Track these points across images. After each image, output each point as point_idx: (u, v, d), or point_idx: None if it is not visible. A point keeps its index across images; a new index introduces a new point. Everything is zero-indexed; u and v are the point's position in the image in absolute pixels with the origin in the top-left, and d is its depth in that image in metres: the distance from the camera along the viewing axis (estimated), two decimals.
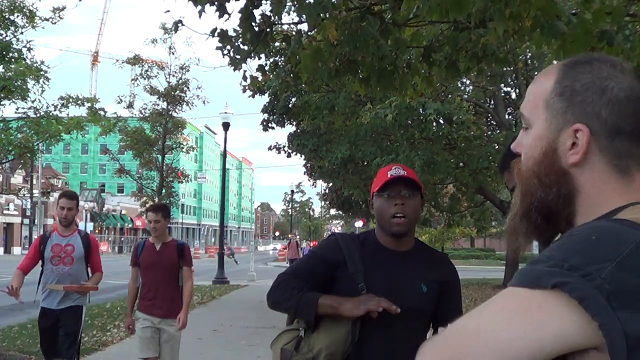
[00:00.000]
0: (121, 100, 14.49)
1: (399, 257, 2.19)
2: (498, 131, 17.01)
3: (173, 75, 14.81)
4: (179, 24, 5.09)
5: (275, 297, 2.15)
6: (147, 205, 15.49)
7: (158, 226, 5.13)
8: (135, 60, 14.49)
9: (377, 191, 2.17)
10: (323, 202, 49.64)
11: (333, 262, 2.17)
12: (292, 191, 60.25)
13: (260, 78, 5.17)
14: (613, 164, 0.88)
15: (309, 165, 19.59)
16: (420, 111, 13.03)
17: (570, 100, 0.90)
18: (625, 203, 0.86)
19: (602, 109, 0.88)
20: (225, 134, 21.93)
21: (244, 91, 12.79)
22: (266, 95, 15.47)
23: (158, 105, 14.86)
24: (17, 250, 51.41)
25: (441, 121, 13.53)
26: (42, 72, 9.77)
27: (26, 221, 51.29)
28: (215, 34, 4.21)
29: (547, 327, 0.76)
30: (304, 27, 4.64)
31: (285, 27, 7.72)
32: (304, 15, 3.90)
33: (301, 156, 17.81)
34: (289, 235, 26.17)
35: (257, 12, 4.14)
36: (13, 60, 9.57)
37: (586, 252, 0.77)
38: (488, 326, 0.79)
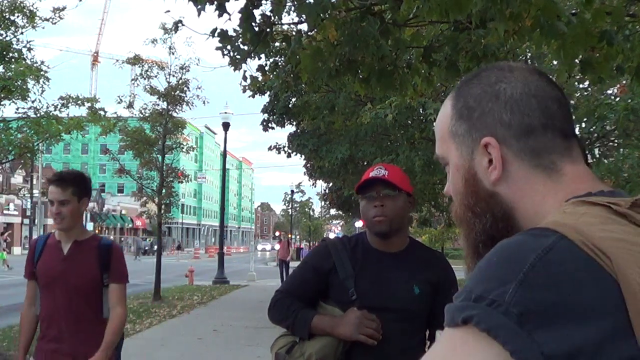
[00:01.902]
0: (121, 100, 14.44)
1: (390, 258, 2.18)
2: None
3: (173, 75, 14.77)
4: (179, 24, 5.09)
5: (273, 317, 2.24)
6: (144, 203, 15.51)
7: (65, 211, 3.02)
8: (135, 60, 14.44)
9: (358, 192, 2.19)
10: (323, 202, 49.56)
11: (324, 269, 2.19)
12: (292, 191, 60.12)
13: (260, 78, 5.18)
14: (534, 165, 0.82)
15: (309, 165, 19.57)
16: (421, 111, 13.03)
17: (469, 118, 0.85)
18: (560, 202, 0.79)
19: (502, 113, 0.83)
20: (225, 134, 21.93)
21: (244, 91, 12.77)
22: (266, 95, 15.46)
23: (158, 105, 14.81)
24: (17, 250, 51.41)
25: None
26: (42, 72, 9.76)
27: (26, 221, 51.28)
28: (215, 34, 4.21)
29: None
30: (304, 27, 4.65)
31: (285, 27, 7.72)
32: (304, 15, 3.90)
33: (301, 156, 17.79)
34: (278, 233, 26.02)
35: (257, 12, 4.14)
36: (13, 60, 9.57)
37: (489, 277, 0.70)
38: None
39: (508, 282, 0.67)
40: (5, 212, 51.02)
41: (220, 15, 3.99)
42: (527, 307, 0.66)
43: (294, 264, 15.91)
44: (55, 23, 10.55)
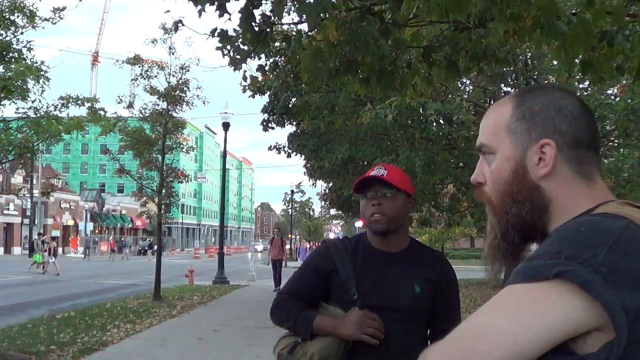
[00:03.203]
0: (121, 100, 14.42)
1: (391, 258, 2.18)
2: None
3: (173, 75, 14.75)
4: (179, 24, 5.09)
5: (275, 319, 2.24)
6: (144, 203, 15.48)
7: None
8: (135, 61, 14.41)
9: (357, 192, 2.21)
10: (323, 202, 49.53)
11: (325, 271, 2.19)
12: (292, 191, 60.13)
13: (260, 78, 5.18)
14: (576, 171, 0.99)
15: (309, 165, 19.57)
16: (421, 111, 13.02)
17: (531, 120, 1.01)
18: (593, 205, 0.95)
19: (562, 123, 1.00)
20: (225, 134, 21.92)
21: (244, 91, 12.77)
22: (266, 95, 15.45)
23: (158, 105, 14.78)
24: (17, 250, 51.40)
25: (441, 121, 13.52)
26: (42, 72, 9.73)
27: (26, 221, 51.26)
28: (215, 34, 4.21)
29: (553, 314, 0.82)
30: (304, 27, 4.65)
31: (285, 27, 7.71)
32: (304, 15, 3.90)
33: (301, 156, 17.79)
34: (275, 229, 21.06)
35: (257, 12, 4.14)
36: (13, 60, 9.56)
37: (578, 242, 0.86)
38: (494, 324, 0.85)
39: (598, 247, 0.83)
40: (5, 212, 51.00)
41: (220, 15, 3.99)
42: (613, 268, 0.82)
43: (292, 265, 15.44)
44: (55, 23, 10.53)
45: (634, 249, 0.84)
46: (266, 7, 4.25)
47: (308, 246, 40.10)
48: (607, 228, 0.86)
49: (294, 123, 16.42)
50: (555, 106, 1.01)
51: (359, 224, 49.07)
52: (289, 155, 17.79)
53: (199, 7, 3.98)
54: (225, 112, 21.87)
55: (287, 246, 43.11)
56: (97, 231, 62.18)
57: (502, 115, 1.05)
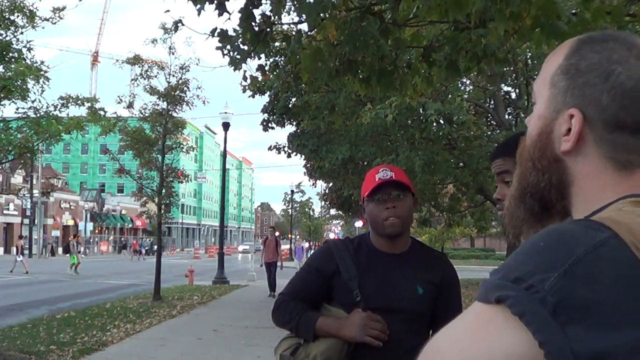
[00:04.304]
0: (121, 100, 14.43)
1: (394, 259, 2.17)
2: (498, 131, 16.99)
3: (173, 75, 14.75)
4: (179, 24, 5.09)
5: (277, 320, 2.22)
6: (144, 203, 15.49)
7: None
8: (135, 60, 14.42)
9: (368, 196, 2.17)
10: (323, 202, 49.55)
11: (328, 271, 2.18)
12: (292, 191, 60.18)
13: (260, 78, 5.17)
14: (609, 156, 0.79)
15: (309, 165, 19.57)
16: (421, 111, 13.01)
17: (572, 79, 0.82)
18: (614, 198, 0.76)
19: (604, 94, 0.78)
20: (225, 134, 21.92)
21: (244, 91, 12.77)
22: (266, 95, 15.45)
23: (158, 105, 14.78)
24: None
25: (441, 121, 13.52)
26: (42, 72, 9.73)
27: (26, 221, 51.24)
28: (215, 34, 4.21)
29: (496, 346, 0.68)
30: (304, 27, 4.64)
31: (285, 27, 7.71)
32: (304, 15, 3.90)
33: (301, 156, 17.79)
34: (270, 228, 18.98)
35: (257, 12, 4.14)
36: (13, 60, 9.56)
37: (532, 261, 0.69)
38: (448, 348, 0.73)
39: (551, 270, 0.66)
40: (5, 212, 50.99)
41: (220, 15, 3.99)
42: (565, 299, 0.64)
43: (289, 266, 14.95)
44: (55, 23, 10.53)
45: (600, 275, 0.65)
46: (266, 7, 4.25)
47: (306, 246, 39.23)
48: (572, 245, 0.67)
49: (294, 123, 16.42)
50: (604, 70, 0.79)
51: (359, 224, 49.09)
52: (289, 155, 17.79)
53: (198, 6, 3.98)
54: (225, 112, 21.87)
55: (287, 246, 41.56)
56: (97, 231, 62.20)
57: (554, 62, 0.86)
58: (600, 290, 0.64)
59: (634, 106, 0.78)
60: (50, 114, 9.85)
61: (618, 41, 0.82)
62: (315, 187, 65.65)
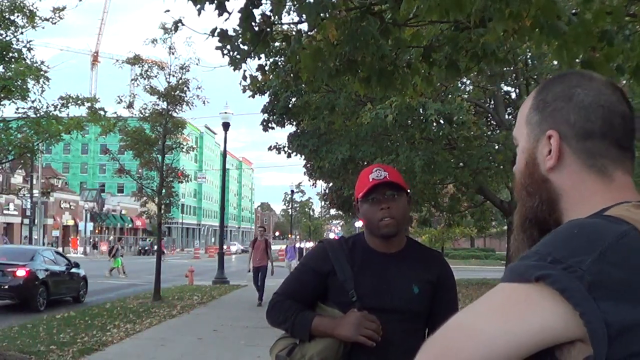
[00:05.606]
0: (121, 100, 14.43)
1: (389, 259, 2.16)
2: (498, 131, 16.99)
3: (173, 75, 14.75)
4: (179, 24, 5.09)
5: (272, 319, 2.22)
6: (144, 203, 15.47)
7: None
8: (135, 60, 14.42)
9: (362, 197, 2.15)
10: (323, 202, 49.55)
11: (323, 271, 2.17)
12: (292, 191, 60.15)
13: (260, 78, 5.16)
14: (588, 164, 0.93)
15: (309, 165, 19.56)
16: (421, 111, 13.01)
17: (543, 111, 0.98)
18: (610, 203, 0.89)
19: (570, 113, 0.95)
20: (225, 134, 21.93)
21: (244, 91, 12.76)
22: (266, 95, 15.46)
23: (158, 105, 14.79)
24: None
25: (441, 121, 13.52)
26: (42, 72, 9.74)
27: (26, 221, 51.23)
28: (215, 34, 4.21)
29: (532, 319, 0.79)
30: (304, 27, 4.64)
31: (285, 27, 7.71)
32: (304, 15, 3.89)
33: (301, 156, 17.78)
34: (259, 228, 16.25)
35: (257, 12, 4.14)
36: (13, 60, 9.56)
37: (568, 245, 0.81)
38: (476, 322, 0.82)
39: (587, 254, 0.78)
40: (5, 212, 50.99)
41: (220, 14, 3.98)
42: (599, 278, 0.77)
43: (281, 271, 13.97)
44: (55, 23, 10.54)
45: (628, 259, 0.78)
46: (266, 7, 4.25)
47: (297, 245, 37.74)
48: (603, 233, 0.80)
49: (294, 123, 16.43)
50: (566, 95, 0.96)
51: (359, 224, 49.07)
52: (289, 156, 17.79)
53: (198, 6, 3.97)
54: (225, 112, 21.87)
55: (282, 246, 39.51)
56: (97, 231, 62.18)
57: (525, 106, 1.03)
58: (628, 272, 0.77)
59: (595, 116, 0.94)
60: (50, 114, 9.85)
61: (576, 74, 1.01)
62: (315, 187, 65.64)
